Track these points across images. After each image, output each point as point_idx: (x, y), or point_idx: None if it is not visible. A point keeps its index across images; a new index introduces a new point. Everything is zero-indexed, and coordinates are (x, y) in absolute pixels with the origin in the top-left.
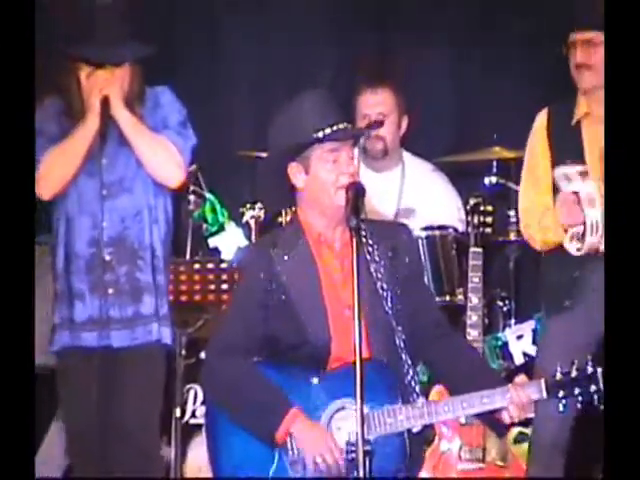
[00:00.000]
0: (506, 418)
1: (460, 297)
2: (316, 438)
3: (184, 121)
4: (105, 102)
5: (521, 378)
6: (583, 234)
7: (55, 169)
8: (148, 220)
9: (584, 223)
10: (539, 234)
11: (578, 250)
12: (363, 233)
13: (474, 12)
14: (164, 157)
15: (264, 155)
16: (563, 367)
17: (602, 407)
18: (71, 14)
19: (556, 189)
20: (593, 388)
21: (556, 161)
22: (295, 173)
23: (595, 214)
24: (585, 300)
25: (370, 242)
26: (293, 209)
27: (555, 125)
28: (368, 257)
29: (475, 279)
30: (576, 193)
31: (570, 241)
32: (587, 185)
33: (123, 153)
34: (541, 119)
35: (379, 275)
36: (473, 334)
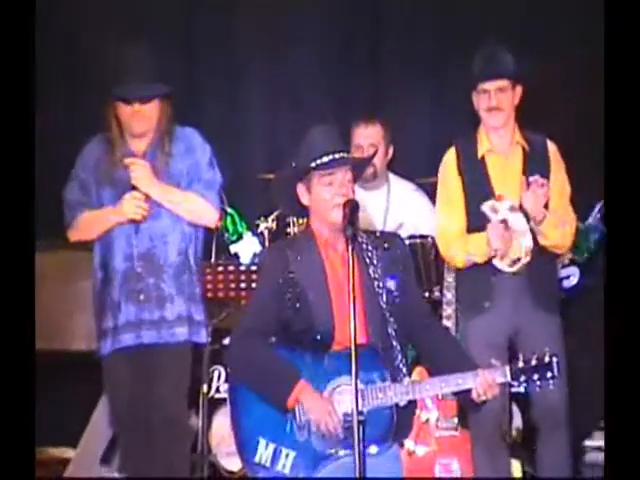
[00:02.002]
0: (475, 397)
1: (437, 293)
2: (320, 406)
3: (210, 160)
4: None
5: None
6: (519, 258)
7: (84, 230)
8: (174, 240)
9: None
10: (465, 259)
11: (510, 267)
12: (364, 241)
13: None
14: (198, 211)
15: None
16: (525, 356)
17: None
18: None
19: (485, 219)
20: (549, 374)
21: (469, 191)
22: (302, 192)
23: (526, 242)
24: (501, 301)
25: (369, 248)
26: (306, 219)
27: (464, 159)
28: (367, 261)
29: (449, 278)
30: (504, 221)
31: (502, 260)
32: (516, 217)
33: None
34: (450, 154)
35: (376, 276)
36: (447, 324)
